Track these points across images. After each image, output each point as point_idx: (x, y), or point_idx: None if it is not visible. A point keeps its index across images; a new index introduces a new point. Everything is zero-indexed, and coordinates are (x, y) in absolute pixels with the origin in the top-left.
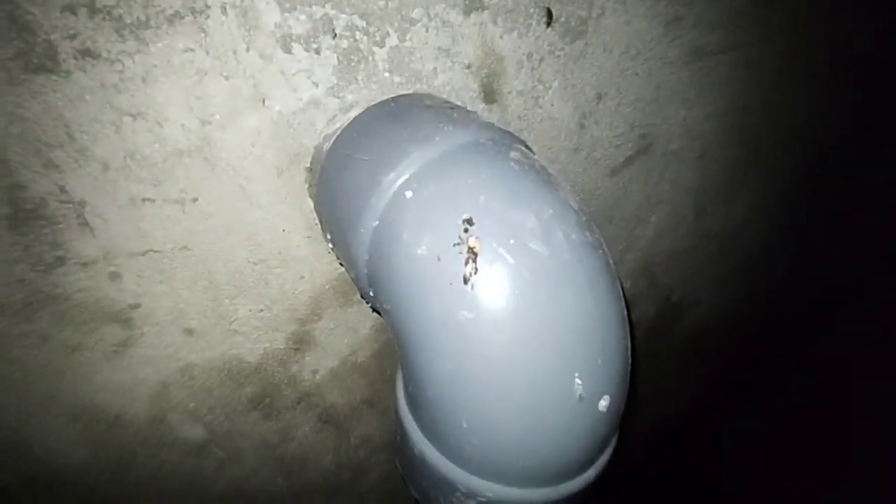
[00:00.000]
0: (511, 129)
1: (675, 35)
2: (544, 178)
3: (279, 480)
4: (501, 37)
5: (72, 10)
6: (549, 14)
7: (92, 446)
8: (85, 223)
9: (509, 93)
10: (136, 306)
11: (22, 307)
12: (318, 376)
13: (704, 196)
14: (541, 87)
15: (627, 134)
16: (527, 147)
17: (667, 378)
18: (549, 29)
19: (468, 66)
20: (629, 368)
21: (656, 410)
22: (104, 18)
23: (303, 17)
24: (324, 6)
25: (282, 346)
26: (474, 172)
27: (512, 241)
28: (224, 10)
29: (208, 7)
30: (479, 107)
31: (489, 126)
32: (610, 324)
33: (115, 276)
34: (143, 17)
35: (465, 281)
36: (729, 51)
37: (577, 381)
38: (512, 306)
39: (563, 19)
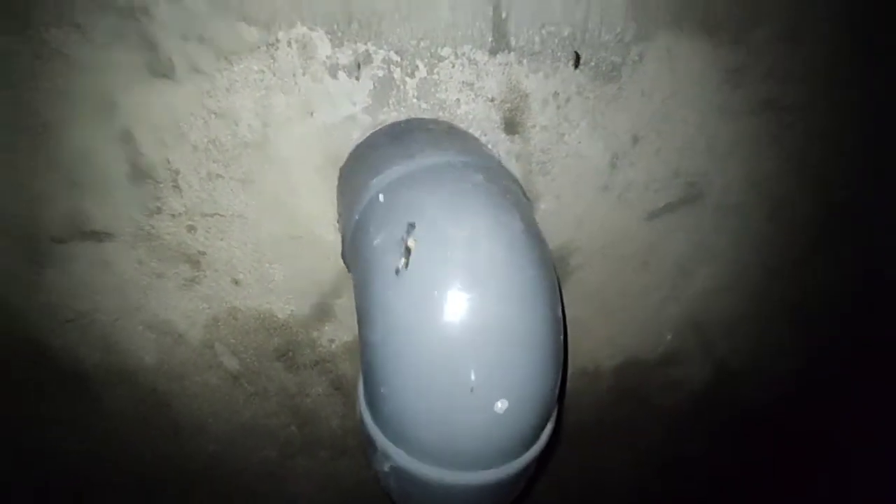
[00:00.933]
0: (533, 161)
1: (738, 83)
2: (496, 200)
3: (293, 428)
4: (527, 76)
5: (185, 37)
6: (577, 57)
7: (159, 354)
8: (177, 186)
9: (532, 126)
10: (203, 254)
11: (129, 238)
12: (333, 346)
13: (775, 260)
14: (567, 124)
15: (670, 180)
16: (503, 172)
17: (703, 446)
18: (577, 71)
19: (491, 100)
20: (548, 388)
21: (676, 473)
22: (208, 46)
23: (349, 51)
24: (366, 43)
25: (306, 312)
26: (432, 188)
27: (439, 247)
28: (289, 44)
29: (278, 41)
30: (500, 136)
31: (468, 151)
32: (521, 338)
33: (191, 229)
34: (233, 47)
35: (397, 272)
36: (810, 107)
37: (472, 375)
38: (426, 298)
39: (592, 63)
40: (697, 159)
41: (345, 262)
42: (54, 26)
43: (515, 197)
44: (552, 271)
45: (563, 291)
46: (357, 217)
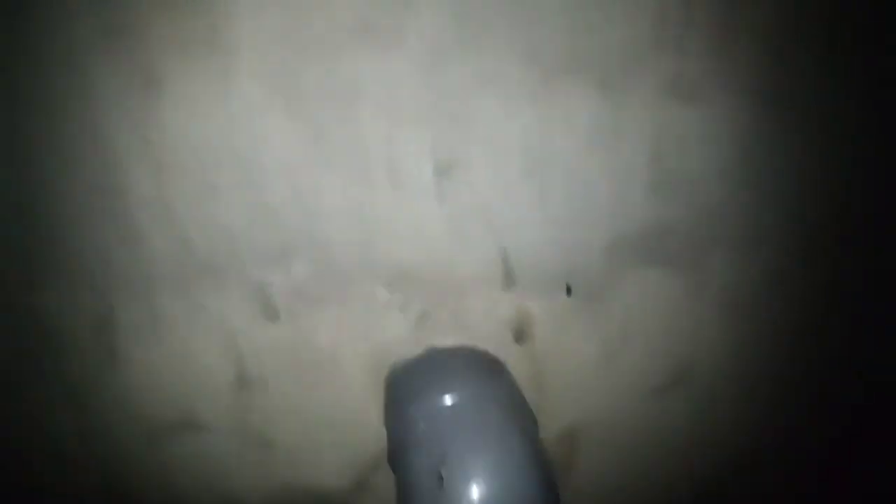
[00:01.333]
0: (538, 360)
1: (702, 295)
2: (506, 429)
3: None
4: (531, 302)
5: (290, 296)
6: (569, 288)
7: None
8: (267, 391)
9: (537, 336)
10: (276, 437)
11: (224, 429)
12: None
13: (783, 421)
14: (565, 333)
15: (660, 367)
16: (515, 400)
17: None
18: (570, 296)
19: (505, 321)
20: None
21: None
22: (304, 300)
23: (399, 296)
24: (411, 291)
25: (346, 485)
26: (458, 421)
27: (462, 473)
28: (360, 295)
29: (351, 294)
30: (512, 345)
31: (488, 379)
32: None
33: (270, 422)
34: (320, 300)
35: (432, 493)
36: (774, 299)
37: None
38: None
39: (580, 291)
40: (682, 348)
41: (390, 466)
42: (204, 291)
43: (524, 425)
44: (552, 487)
45: (578, 460)
46: (400, 435)
